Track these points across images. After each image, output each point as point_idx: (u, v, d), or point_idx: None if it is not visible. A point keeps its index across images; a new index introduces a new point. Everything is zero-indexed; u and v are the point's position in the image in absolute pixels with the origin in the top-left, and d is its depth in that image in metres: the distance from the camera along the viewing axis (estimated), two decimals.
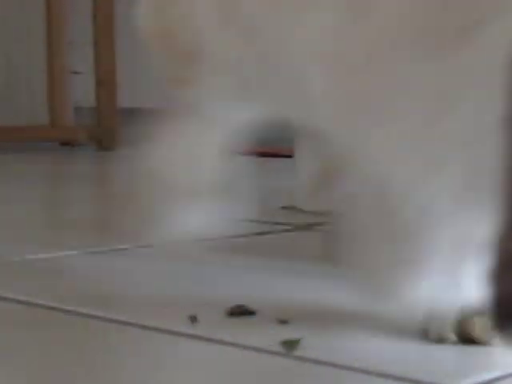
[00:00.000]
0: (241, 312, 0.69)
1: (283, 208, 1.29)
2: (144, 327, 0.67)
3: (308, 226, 1.15)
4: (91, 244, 1.01)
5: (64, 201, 1.60)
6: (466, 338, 0.62)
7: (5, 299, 0.74)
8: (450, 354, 0.59)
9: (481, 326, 0.62)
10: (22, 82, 2.48)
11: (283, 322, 0.66)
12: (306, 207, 1.25)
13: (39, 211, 1.40)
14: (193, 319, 0.66)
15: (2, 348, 0.60)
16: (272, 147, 2.24)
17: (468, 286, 0.60)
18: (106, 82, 2.45)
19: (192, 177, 0.82)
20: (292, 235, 1.12)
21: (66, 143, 2.49)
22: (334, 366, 0.55)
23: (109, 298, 0.75)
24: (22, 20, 2.47)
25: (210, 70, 0.76)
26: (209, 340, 0.62)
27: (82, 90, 2.51)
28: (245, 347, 0.61)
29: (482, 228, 0.55)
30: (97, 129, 2.45)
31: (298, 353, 0.59)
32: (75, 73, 2.52)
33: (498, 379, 0.52)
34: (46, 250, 0.96)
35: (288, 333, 0.62)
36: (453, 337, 0.62)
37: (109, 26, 2.44)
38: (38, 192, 1.66)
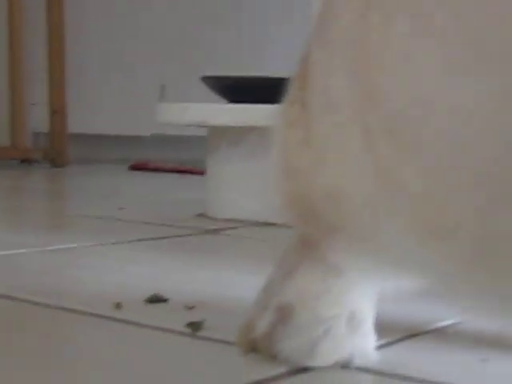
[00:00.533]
0: (156, 299, 0.68)
1: (197, 215, 1.29)
2: (77, 312, 0.65)
3: (216, 231, 1.15)
4: (43, 243, 0.99)
5: (21, 208, 1.56)
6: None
7: None
8: None
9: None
10: None
11: (190, 307, 0.65)
12: (215, 215, 1.26)
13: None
14: (118, 305, 0.66)
15: None
16: (188, 166, 2.26)
17: None
18: (58, 112, 2.42)
19: None
20: (203, 237, 1.12)
21: (25, 161, 2.46)
22: (230, 344, 0.55)
23: (52, 289, 0.74)
24: None
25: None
26: (130, 323, 0.62)
27: (38, 118, 2.48)
28: (158, 328, 0.60)
29: None
30: (50, 150, 2.42)
31: (201, 333, 0.59)
32: (33, 104, 2.50)
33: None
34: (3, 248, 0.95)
35: (194, 316, 0.62)
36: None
37: (61, 65, 2.42)
38: (4, 200, 1.64)
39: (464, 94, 0.39)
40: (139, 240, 1.04)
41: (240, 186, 1.18)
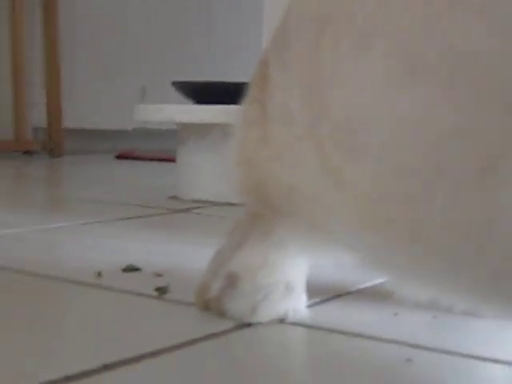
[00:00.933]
0: (131, 269, 0.68)
1: (169, 197, 1.28)
2: (63, 280, 0.65)
3: (185, 210, 1.14)
4: (39, 222, 0.98)
5: (23, 192, 1.54)
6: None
7: None
8: None
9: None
10: None
11: (159, 275, 0.65)
12: (184, 197, 1.25)
13: (3, 198, 1.35)
14: (99, 274, 0.65)
15: None
16: (164, 155, 2.23)
17: None
18: (54, 111, 2.40)
19: None
20: (174, 216, 1.11)
21: (26, 152, 2.42)
22: (190, 305, 0.55)
23: (44, 261, 0.73)
24: None
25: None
26: (108, 288, 0.62)
27: (38, 116, 2.44)
28: (132, 292, 0.60)
29: None
30: (48, 143, 2.39)
31: (166, 296, 0.59)
32: (33, 104, 2.45)
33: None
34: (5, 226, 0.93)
35: (161, 282, 0.62)
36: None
37: (56, 71, 2.40)
38: (3, 185, 1.61)
39: (393, 107, 0.39)
40: (120, 219, 1.02)
41: (205, 173, 1.18)
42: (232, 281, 0.52)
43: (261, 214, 0.54)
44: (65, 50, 2.45)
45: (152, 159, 2.23)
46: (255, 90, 0.53)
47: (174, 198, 1.27)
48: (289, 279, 0.53)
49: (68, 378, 0.39)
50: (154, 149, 2.40)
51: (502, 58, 0.33)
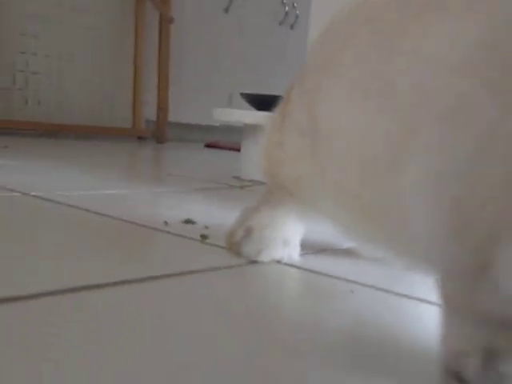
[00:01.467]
0: (189, 221, 0.70)
1: (233, 177, 1.30)
2: (141, 225, 0.66)
3: (242, 187, 1.15)
4: (144, 188, 0.99)
5: (136, 167, 1.58)
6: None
7: None
8: None
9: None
10: (116, 106, 2.49)
11: (207, 227, 0.67)
12: (244, 177, 1.28)
13: (122, 170, 1.35)
14: (166, 223, 0.67)
15: None
16: (229, 144, 2.26)
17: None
18: (162, 108, 2.45)
19: None
20: (233, 190, 1.10)
21: (140, 138, 2.48)
22: (222, 247, 0.58)
23: (134, 212, 0.73)
24: (115, 69, 2.44)
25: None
26: (170, 233, 0.63)
27: (150, 111, 2.49)
28: (184, 237, 0.62)
29: None
30: (156, 132, 2.45)
31: (207, 241, 0.61)
32: (146, 102, 2.50)
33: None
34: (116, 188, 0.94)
35: (206, 232, 0.64)
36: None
37: (165, 79, 2.43)
38: (123, 161, 1.63)
39: (351, 122, 0.41)
40: (195, 190, 1.04)
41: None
42: (248, 232, 0.55)
43: (275, 192, 0.56)
44: (174, 61, 2.50)
45: (231, 149, 2.26)
46: (282, 104, 0.55)
47: (237, 177, 1.29)
48: (287, 236, 0.56)
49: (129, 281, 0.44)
50: (233, 141, 2.45)
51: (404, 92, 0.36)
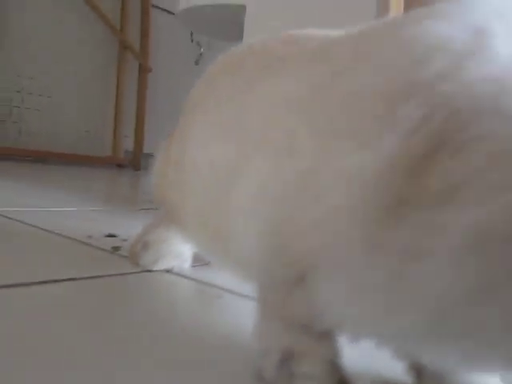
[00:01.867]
0: (111, 235, 0.66)
1: None
2: (64, 237, 0.62)
3: None
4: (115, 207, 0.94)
5: (114, 191, 1.48)
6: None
7: None
8: None
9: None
10: (99, 139, 2.47)
11: (125, 240, 0.64)
12: None
13: (101, 194, 1.26)
14: (89, 237, 0.62)
15: None
16: None
17: None
18: (139, 141, 2.43)
19: None
20: None
21: (119, 166, 2.45)
22: (126, 257, 0.54)
23: (82, 227, 0.70)
24: (99, 107, 2.40)
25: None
26: (90, 245, 0.59)
27: (128, 143, 2.47)
28: (101, 249, 0.58)
29: None
30: (133, 160, 2.43)
31: (118, 252, 0.58)
32: (125, 136, 2.47)
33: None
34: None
35: (122, 244, 0.61)
36: None
37: (142, 117, 2.41)
38: (102, 185, 1.56)
39: (212, 155, 0.38)
40: (143, 209, 0.95)
41: None
42: (146, 245, 0.54)
43: (167, 213, 0.53)
44: (150, 103, 2.48)
45: None
46: (168, 138, 0.53)
47: None
48: (180, 250, 0.54)
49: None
50: None
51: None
